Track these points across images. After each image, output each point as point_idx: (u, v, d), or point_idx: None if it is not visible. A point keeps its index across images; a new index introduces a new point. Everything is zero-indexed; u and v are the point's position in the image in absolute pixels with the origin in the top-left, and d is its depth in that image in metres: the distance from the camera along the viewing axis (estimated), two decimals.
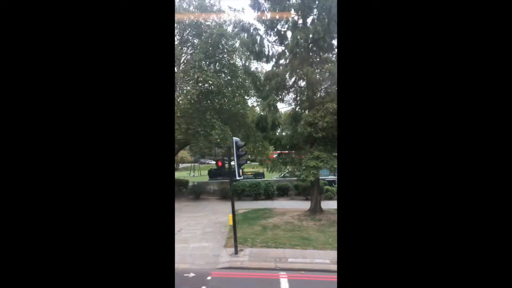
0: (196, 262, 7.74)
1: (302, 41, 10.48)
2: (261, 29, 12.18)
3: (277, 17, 11.55)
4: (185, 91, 15.77)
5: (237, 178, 8.52)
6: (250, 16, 31.12)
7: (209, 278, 6.80)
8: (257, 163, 19.86)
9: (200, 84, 16.09)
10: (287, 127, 12.94)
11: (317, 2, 10.96)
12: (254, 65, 17.64)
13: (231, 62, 16.25)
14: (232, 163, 8.76)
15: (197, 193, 17.43)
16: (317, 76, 10.97)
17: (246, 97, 17.73)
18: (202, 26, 16.35)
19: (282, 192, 16.92)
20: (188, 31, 16.95)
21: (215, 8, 16.83)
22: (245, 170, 22.39)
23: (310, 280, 6.73)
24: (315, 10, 11.11)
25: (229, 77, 16.36)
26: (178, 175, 23.30)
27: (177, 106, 14.22)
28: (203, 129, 14.96)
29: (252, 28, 12.22)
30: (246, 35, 12.80)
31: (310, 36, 10.50)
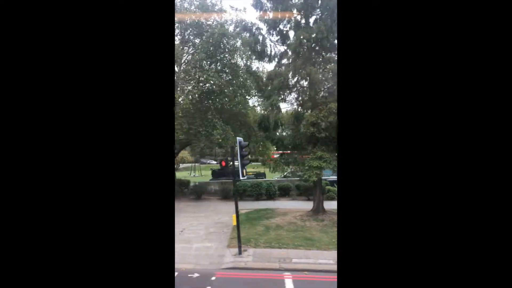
0: (200, 262, 7.71)
1: (305, 40, 10.46)
2: (264, 28, 12.19)
3: (280, 16, 11.54)
4: (186, 91, 15.75)
5: (241, 178, 8.49)
6: (251, 16, 31.13)
7: (213, 278, 6.77)
8: (258, 163, 19.82)
9: (201, 84, 16.08)
10: (289, 127, 12.90)
11: (319, 1, 10.95)
12: (255, 65, 17.63)
13: (232, 61, 16.23)
14: (236, 163, 8.73)
15: (199, 193, 17.41)
16: (320, 76, 10.94)
17: (247, 97, 17.71)
18: (204, 25, 16.33)
19: (284, 192, 16.91)
20: (189, 31, 16.92)
21: (216, 7, 16.80)
22: (247, 170, 22.33)
23: (315, 281, 6.71)
24: (319, 9, 11.09)
25: (230, 77, 16.33)
26: (178, 175, 23.25)
27: (179, 106, 14.20)
28: (204, 129, 14.93)
29: (254, 28, 12.20)
30: (248, 34, 12.80)
31: (314, 35, 10.46)
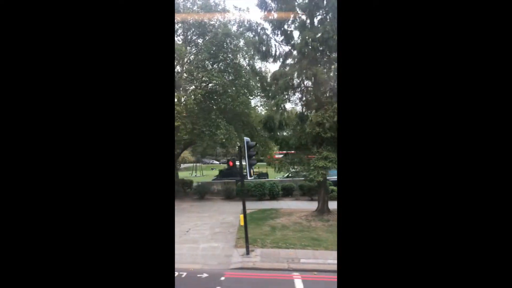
0: (208, 263, 7.70)
1: (310, 40, 10.46)
2: (268, 28, 12.17)
3: (284, 16, 11.53)
4: (189, 91, 15.74)
5: (249, 178, 8.48)
6: (254, 16, 31.13)
7: (222, 278, 6.75)
8: (261, 163, 19.81)
9: (204, 84, 16.07)
10: (292, 127, 12.87)
11: (325, 1, 10.95)
12: (258, 65, 17.63)
13: (235, 61, 16.22)
14: (242, 163, 8.72)
15: (202, 193, 17.38)
16: (325, 76, 10.94)
17: (250, 97, 17.70)
18: (207, 25, 16.32)
19: (287, 192, 16.89)
20: (192, 31, 16.91)
21: (219, 7, 16.79)
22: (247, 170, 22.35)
23: (325, 281, 6.70)
24: (324, 9, 11.08)
25: (232, 77, 16.30)
26: (180, 175, 23.20)
27: (183, 106, 14.17)
28: (208, 129, 14.92)
29: (259, 28, 12.19)
30: (253, 34, 12.79)
31: (320, 35, 10.46)
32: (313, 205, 13.39)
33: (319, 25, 11.05)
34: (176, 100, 13.92)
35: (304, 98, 12.44)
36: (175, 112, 13.43)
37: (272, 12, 11.76)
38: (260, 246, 8.69)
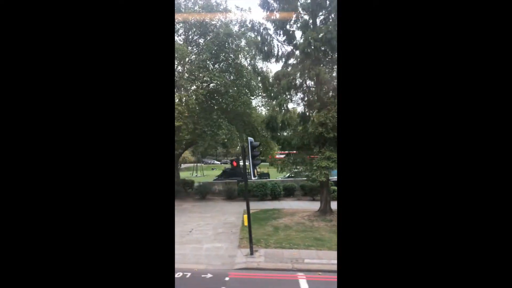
0: (212, 263, 7.68)
1: (312, 40, 10.45)
2: (271, 28, 12.17)
3: (287, 16, 11.53)
4: (191, 91, 15.73)
5: (253, 178, 8.48)
6: (256, 16, 31.10)
7: (227, 279, 6.74)
8: (264, 164, 19.80)
9: (205, 84, 16.05)
10: (293, 127, 12.86)
11: (327, 1, 10.95)
12: (259, 65, 17.63)
13: (237, 61, 16.21)
14: (244, 163, 8.71)
15: (203, 193, 17.38)
16: (328, 76, 10.94)
17: (251, 97, 17.70)
18: (208, 25, 16.31)
19: (288, 192, 16.89)
20: (193, 30, 16.89)
21: (221, 7, 16.77)
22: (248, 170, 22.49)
23: (330, 282, 6.69)
24: (326, 10, 11.08)
25: (233, 77, 16.29)
26: (181, 175, 23.18)
27: (184, 106, 14.16)
28: (210, 129, 14.91)
29: (262, 28, 12.18)
30: (255, 34, 12.79)
31: (322, 35, 10.45)
32: (315, 205, 13.40)
33: (321, 25, 11.05)
34: (177, 100, 13.91)
35: (306, 98, 12.44)
36: (177, 112, 13.42)
37: (275, 12, 11.77)
38: (263, 246, 8.69)
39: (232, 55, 16.01)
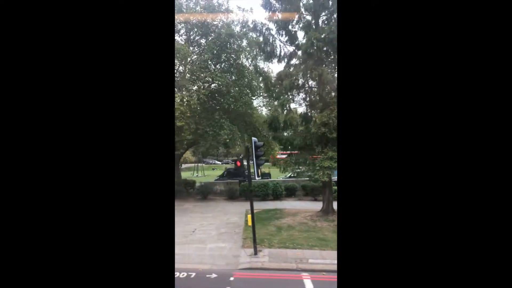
0: (216, 263, 7.69)
1: (315, 41, 10.47)
2: (273, 29, 12.18)
3: (289, 17, 11.54)
4: (192, 91, 15.73)
5: (257, 178, 8.49)
6: (258, 16, 31.09)
7: (232, 279, 6.75)
8: (265, 164, 19.80)
9: (207, 85, 16.06)
10: (294, 128, 12.86)
11: (330, 1, 10.96)
12: (260, 65, 17.66)
13: (238, 62, 16.23)
14: (248, 163, 8.72)
15: (205, 193, 17.38)
16: (331, 76, 10.95)
17: (253, 97, 17.72)
18: (209, 26, 16.31)
19: (289, 192, 16.90)
20: (195, 31, 16.90)
21: (223, 8, 16.79)
22: (251, 170, 22.58)
23: (335, 282, 6.70)
24: (329, 10, 11.10)
25: (234, 77, 16.29)
26: (182, 175, 23.17)
27: (186, 106, 14.16)
28: (212, 129, 14.92)
29: (264, 28, 12.19)
30: (257, 35, 12.80)
31: (325, 35, 10.47)
32: (316, 205, 13.41)
33: (324, 26, 11.06)
34: (179, 100, 13.91)
35: (308, 98, 12.45)
36: (179, 112, 13.43)
37: (277, 12, 11.78)
38: (267, 246, 8.70)
39: (233, 56, 16.03)
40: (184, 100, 14.48)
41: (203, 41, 17.18)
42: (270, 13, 11.87)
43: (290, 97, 12.28)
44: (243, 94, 15.83)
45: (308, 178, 12.41)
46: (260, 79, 15.84)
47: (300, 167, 12.09)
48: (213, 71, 15.61)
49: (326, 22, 11.35)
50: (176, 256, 7.86)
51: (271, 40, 12.14)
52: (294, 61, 12.33)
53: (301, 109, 13.38)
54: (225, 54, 15.76)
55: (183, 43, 16.44)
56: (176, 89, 15.16)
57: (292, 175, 17.78)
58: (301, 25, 11.68)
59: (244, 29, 16.70)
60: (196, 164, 34.78)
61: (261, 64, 17.58)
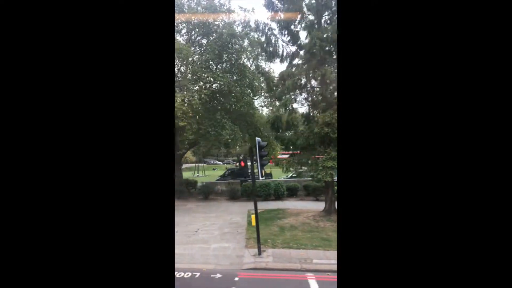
0: (221, 263, 7.68)
1: (318, 41, 10.47)
2: (275, 28, 12.17)
3: (292, 17, 11.54)
4: (194, 91, 15.73)
5: (260, 178, 8.49)
6: (260, 16, 31.13)
7: (236, 279, 6.74)
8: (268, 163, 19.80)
9: (208, 85, 16.05)
10: (296, 128, 12.86)
11: (333, 1, 10.97)
12: (263, 65, 17.66)
13: (240, 62, 16.22)
14: (252, 163, 8.70)
15: (206, 193, 17.37)
16: (334, 76, 10.95)
17: (254, 97, 17.72)
18: (211, 26, 16.31)
19: (291, 192, 16.89)
20: (196, 31, 16.89)
21: (224, 8, 16.78)
22: (255, 170, 22.58)
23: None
24: (331, 9, 11.10)
25: (235, 77, 16.28)
26: (184, 175, 23.15)
27: (187, 106, 14.16)
28: (213, 129, 14.92)
29: (266, 28, 12.19)
30: (258, 35, 12.80)
31: (327, 35, 10.47)
32: (318, 206, 13.41)
33: (327, 25, 11.06)
34: (180, 100, 13.90)
35: (310, 98, 12.45)
36: (181, 112, 13.42)
37: (279, 12, 11.78)
38: (271, 246, 8.69)
39: (235, 56, 16.03)
40: (186, 100, 14.48)
41: (204, 41, 17.19)
42: (273, 13, 11.88)
43: (292, 97, 12.29)
44: (244, 94, 15.82)
45: (310, 178, 12.40)
46: (262, 79, 15.85)
47: (303, 167, 12.09)
48: (214, 71, 15.62)
49: (328, 21, 11.35)
50: (180, 256, 7.87)
51: (273, 40, 12.14)
52: (296, 61, 12.33)
53: (303, 109, 13.43)
54: (226, 54, 15.75)
55: (184, 43, 16.43)
56: (177, 89, 15.15)
57: (294, 175, 17.81)
58: (303, 25, 11.70)
59: (246, 29, 16.69)
60: (196, 164, 34.76)
61: (263, 64, 17.61)
